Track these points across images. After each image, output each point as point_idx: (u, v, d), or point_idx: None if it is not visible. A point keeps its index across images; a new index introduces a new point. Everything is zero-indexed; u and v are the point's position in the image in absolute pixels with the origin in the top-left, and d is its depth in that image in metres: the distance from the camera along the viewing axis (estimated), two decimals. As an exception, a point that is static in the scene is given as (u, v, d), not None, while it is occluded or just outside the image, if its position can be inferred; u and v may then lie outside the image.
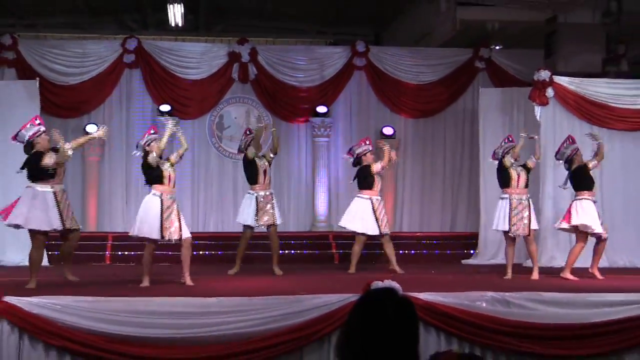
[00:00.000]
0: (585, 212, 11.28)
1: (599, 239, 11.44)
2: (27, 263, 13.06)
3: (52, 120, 15.02)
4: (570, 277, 11.15)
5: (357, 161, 12.24)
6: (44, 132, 10.14)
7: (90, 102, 15.58)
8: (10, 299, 8.11)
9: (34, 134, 10.08)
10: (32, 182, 9.96)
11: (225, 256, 14.06)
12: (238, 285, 10.34)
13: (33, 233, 9.98)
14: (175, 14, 15.80)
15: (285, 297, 8.72)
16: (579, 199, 11.38)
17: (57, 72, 15.31)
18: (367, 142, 12.42)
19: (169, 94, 15.68)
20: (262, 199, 11.71)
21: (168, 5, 15.66)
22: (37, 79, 14.31)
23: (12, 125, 13.68)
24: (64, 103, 15.34)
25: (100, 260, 13.71)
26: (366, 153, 12.18)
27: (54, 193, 9.90)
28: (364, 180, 12.10)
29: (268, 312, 8.39)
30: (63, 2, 16.88)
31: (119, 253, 14.00)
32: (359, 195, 12.20)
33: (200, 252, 13.93)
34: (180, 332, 8.21)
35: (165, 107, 15.53)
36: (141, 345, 8.09)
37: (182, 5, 15.67)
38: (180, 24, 16.30)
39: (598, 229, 11.28)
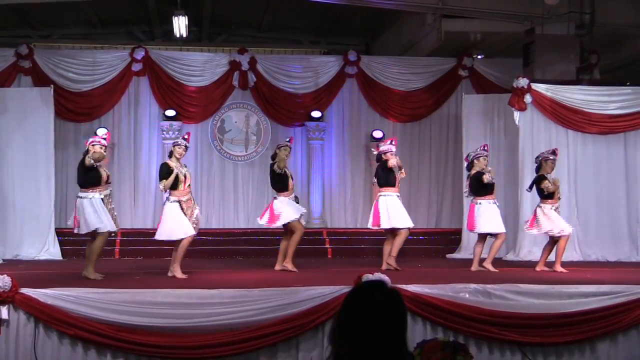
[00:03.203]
0: (549, 218, 11.37)
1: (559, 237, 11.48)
2: (42, 257, 13.20)
3: (66, 124, 15.06)
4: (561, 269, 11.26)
5: (378, 158, 11.64)
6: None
7: (101, 108, 15.55)
8: (26, 291, 8.10)
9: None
10: None
11: (226, 251, 14.09)
12: (238, 278, 10.34)
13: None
14: (180, 26, 15.77)
15: (282, 288, 8.72)
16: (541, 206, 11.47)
17: (70, 79, 15.27)
18: (391, 142, 11.76)
19: (174, 100, 15.66)
20: None
21: (173, 18, 15.62)
22: (52, 86, 14.29)
23: (29, 129, 13.77)
24: (77, 108, 15.31)
25: (110, 254, 13.67)
26: (386, 152, 11.49)
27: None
28: (385, 177, 11.45)
29: (266, 303, 8.38)
30: (76, 15, 16.85)
31: (127, 248, 13.99)
32: (384, 194, 11.48)
33: (203, 247, 13.92)
34: (184, 321, 8.21)
35: (170, 112, 15.52)
36: (148, 334, 8.09)
37: (186, 17, 15.64)
38: (184, 35, 16.26)
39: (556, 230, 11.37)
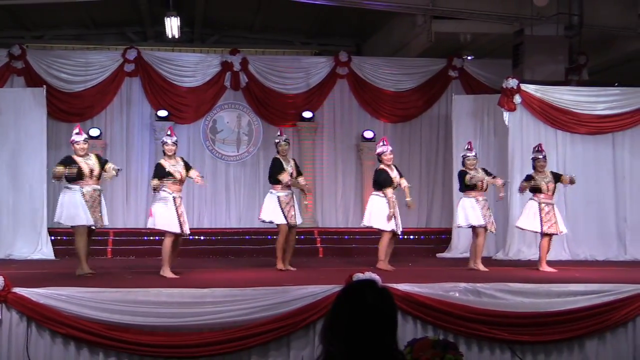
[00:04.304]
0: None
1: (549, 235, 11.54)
2: (35, 257, 13.16)
3: (58, 124, 15.00)
4: (548, 268, 11.28)
5: (379, 159, 11.67)
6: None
7: (93, 108, 15.50)
8: (19, 290, 8.09)
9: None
10: None
11: (218, 250, 14.07)
12: (230, 277, 10.33)
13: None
14: (172, 27, 15.73)
15: (273, 287, 8.71)
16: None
17: (63, 80, 15.22)
18: (383, 143, 11.75)
19: (166, 101, 15.63)
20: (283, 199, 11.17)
21: (165, 19, 15.58)
22: (44, 86, 14.25)
23: (22, 129, 13.73)
24: (69, 109, 15.26)
25: (103, 254, 13.65)
26: (381, 155, 11.57)
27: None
28: (378, 182, 11.50)
29: (258, 302, 8.38)
30: (69, 16, 16.82)
31: (120, 247, 13.96)
32: (376, 193, 11.53)
33: (195, 247, 13.91)
34: (176, 320, 8.19)
35: (162, 113, 15.49)
36: (140, 333, 8.07)
37: (178, 18, 15.60)
38: (176, 36, 16.22)
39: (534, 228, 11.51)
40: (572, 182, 11.76)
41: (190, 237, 13.33)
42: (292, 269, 11.14)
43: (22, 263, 12.39)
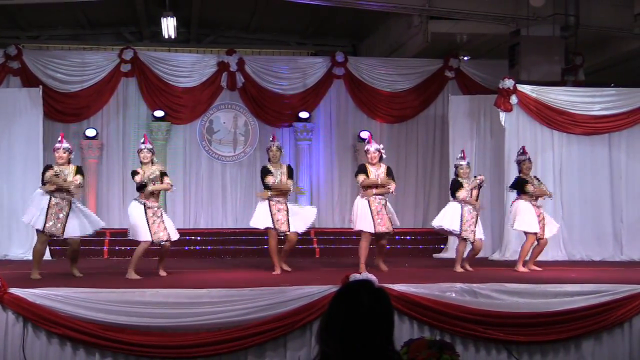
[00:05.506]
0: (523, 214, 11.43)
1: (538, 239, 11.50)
2: (31, 257, 13.11)
3: (55, 125, 14.98)
4: (522, 269, 11.25)
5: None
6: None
7: (89, 108, 15.49)
8: (15, 291, 8.08)
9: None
10: None
11: (214, 251, 14.06)
12: (226, 278, 10.33)
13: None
14: (169, 27, 15.70)
15: (270, 288, 8.70)
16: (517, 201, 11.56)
17: (59, 80, 15.21)
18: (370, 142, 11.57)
19: (162, 101, 15.63)
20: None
21: (162, 19, 15.56)
22: (40, 86, 14.23)
23: (18, 129, 13.72)
24: (65, 109, 15.26)
25: (99, 254, 13.65)
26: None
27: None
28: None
29: (254, 302, 8.37)
30: (65, 16, 16.80)
31: (116, 248, 13.94)
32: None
33: (192, 247, 13.91)
34: (172, 321, 8.18)
35: (159, 113, 15.49)
36: (136, 334, 8.06)
37: (174, 18, 15.58)
38: (173, 36, 16.18)
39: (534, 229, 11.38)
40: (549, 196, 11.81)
41: (187, 237, 13.37)
42: (287, 268, 11.11)
43: (18, 263, 12.38)
